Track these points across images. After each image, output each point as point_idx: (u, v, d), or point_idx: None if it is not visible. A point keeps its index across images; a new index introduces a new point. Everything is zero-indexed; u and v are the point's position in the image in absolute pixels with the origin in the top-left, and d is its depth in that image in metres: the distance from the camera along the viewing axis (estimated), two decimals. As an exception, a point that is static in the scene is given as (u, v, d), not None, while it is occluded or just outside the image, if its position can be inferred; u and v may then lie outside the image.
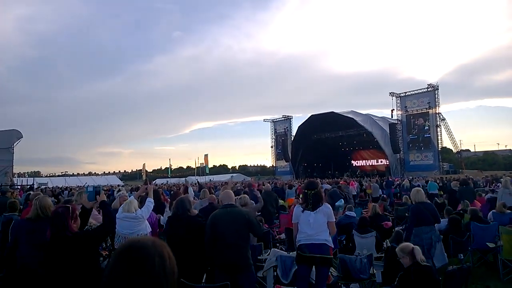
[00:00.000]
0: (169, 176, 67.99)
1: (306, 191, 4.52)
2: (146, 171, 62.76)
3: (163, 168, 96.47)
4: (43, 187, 29.13)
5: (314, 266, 4.39)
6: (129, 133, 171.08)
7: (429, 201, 6.20)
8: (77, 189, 20.15)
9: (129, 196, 5.92)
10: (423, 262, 3.82)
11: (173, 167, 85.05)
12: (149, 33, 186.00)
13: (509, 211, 8.05)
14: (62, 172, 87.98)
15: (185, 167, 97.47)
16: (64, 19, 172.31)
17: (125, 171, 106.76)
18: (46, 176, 72.87)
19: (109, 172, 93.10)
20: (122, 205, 5.09)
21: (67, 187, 31.58)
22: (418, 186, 18.47)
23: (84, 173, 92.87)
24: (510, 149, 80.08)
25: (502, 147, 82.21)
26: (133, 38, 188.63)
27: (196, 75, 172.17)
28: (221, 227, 4.08)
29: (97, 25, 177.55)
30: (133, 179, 77.22)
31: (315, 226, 4.32)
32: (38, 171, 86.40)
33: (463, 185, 11.60)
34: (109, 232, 3.24)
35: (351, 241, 7.26)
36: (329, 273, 5.03)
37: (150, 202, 5.14)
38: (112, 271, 1.16)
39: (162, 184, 34.97)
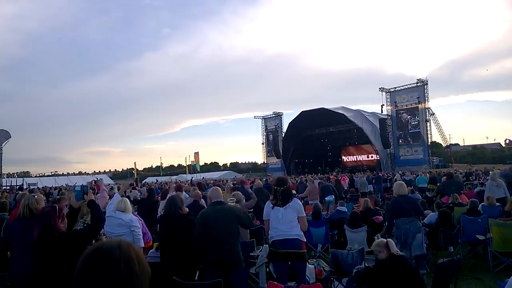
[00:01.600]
0: (161, 174, 67.69)
1: (275, 187, 4.53)
2: (137, 169, 62.45)
3: (154, 166, 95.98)
4: (32, 187, 28.77)
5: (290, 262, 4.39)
6: (119, 132, 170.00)
7: (411, 195, 6.41)
8: (67, 188, 19.92)
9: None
10: (397, 253, 3.89)
11: (164, 165, 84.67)
12: (137, 30, 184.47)
13: (499, 203, 8.16)
14: (51, 172, 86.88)
15: (176, 165, 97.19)
16: (52, 16, 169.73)
17: (115, 170, 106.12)
18: (35, 176, 71.96)
19: (99, 171, 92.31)
20: (116, 203, 4.98)
21: (56, 187, 31.19)
22: (410, 180, 18.68)
23: (74, 172, 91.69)
24: (499, 143, 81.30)
25: (490, 141, 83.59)
26: (121, 35, 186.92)
27: (185, 72, 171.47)
28: (212, 224, 4.06)
29: (85, 22, 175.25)
30: (124, 178, 76.66)
31: (285, 221, 4.34)
32: (27, 171, 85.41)
33: (448, 178, 11.72)
34: (98, 232, 3.18)
35: (343, 236, 7.29)
36: (322, 268, 5.05)
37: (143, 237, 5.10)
38: (78, 277, 1.13)
39: (152, 183, 34.73)
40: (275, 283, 4.21)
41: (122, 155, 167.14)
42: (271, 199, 4.64)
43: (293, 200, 4.53)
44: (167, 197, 5.12)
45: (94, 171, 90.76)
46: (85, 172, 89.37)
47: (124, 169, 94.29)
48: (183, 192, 8.42)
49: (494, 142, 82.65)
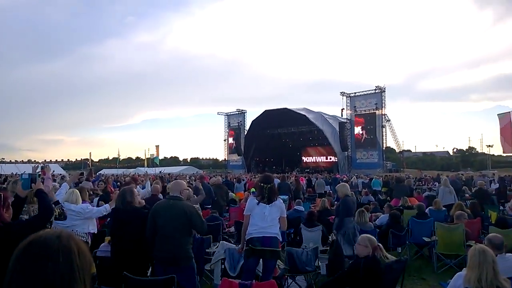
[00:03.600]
0: (117, 166, 65.69)
1: (262, 184, 4.54)
2: (92, 160, 60.28)
3: (110, 158, 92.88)
4: (-25, 174, 26.87)
5: (261, 259, 4.42)
6: (74, 120, 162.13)
7: (364, 197, 6.95)
8: (13, 177, 18.75)
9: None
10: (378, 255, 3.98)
11: (121, 158, 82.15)
12: (100, 15, 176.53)
13: (445, 208, 8.64)
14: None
15: (134, 157, 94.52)
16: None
17: (68, 160, 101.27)
18: (-21, 163, 67.08)
19: (50, 160, 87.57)
20: (65, 193, 4.76)
21: (2, 174, 29.28)
22: (366, 183, 19.37)
23: (22, 160, 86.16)
24: (447, 151, 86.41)
25: (440, 149, 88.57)
26: (82, 18, 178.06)
27: (148, 62, 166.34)
28: (161, 219, 3.97)
29: (43, 2, 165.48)
30: (77, 168, 73.36)
31: (269, 219, 4.36)
32: (-31, 158, 79.20)
33: (398, 182, 12.27)
34: (46, 222, 2.99)
35: (299, 234, 7.41)
36: (276, 266, 5.10)
37: (106, 208, 4.85)
38: (12, 270, 1.07)
39: (106, 175, 33.37)
40: (230, 279, 4.20)
41: (77, 145, 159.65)
42: (257, 195, 4.61)
43: (278, 199, 4.56)
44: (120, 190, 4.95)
45: (45, 160, 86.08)
46: (34, 161, 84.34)
47: (77, 159, 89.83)
48: (137, 186, 8.19)
49: (443, 150, 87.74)
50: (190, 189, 6.51)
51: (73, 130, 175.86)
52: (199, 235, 5.38)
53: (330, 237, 7.20)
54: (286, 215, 4.64)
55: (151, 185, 7.49)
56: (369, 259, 3.89)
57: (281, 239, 4.51)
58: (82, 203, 5.03)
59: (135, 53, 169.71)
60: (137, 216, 4.15)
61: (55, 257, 1.06)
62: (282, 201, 4.69)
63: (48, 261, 1.05)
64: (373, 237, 4.20)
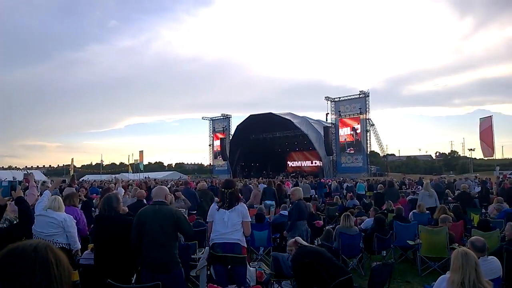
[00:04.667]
0: (101, 172, 64.72)
1: (223, 189, 4.51)
2: (74, 166, 59.21)
3: (93, 164, 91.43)
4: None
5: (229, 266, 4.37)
6: (57, 126, 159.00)
7: (350, 201, 7.04)
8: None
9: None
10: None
11: (105, 163, 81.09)
12: (82, 20, 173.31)
13: (428, 211, 8.76)
14: (-24, 165, 78.75)
15: (118, 163, 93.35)
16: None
17: (50, 166, 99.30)
18: (-44, 169, 65.13)
19: (31, 166, 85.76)
20: (47, 201, 4.64)
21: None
22: (351, 187, 19.53)
23: (3, 166, 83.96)
24: (430, 155, 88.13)
25: (423, 153, 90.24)
26: (65, 23, 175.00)
27: (132, 67, 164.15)
28: (148, 224, 3.92)
29: (24, 5, 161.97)
30: (59, 175, 71.98)
31: (229, 225, 4.31)
32: None
33: (389, 187, 12.46)
34: (26, 231, 2.92)
35: (285, 239, 7.40)
36: (262, 271, 5.07)
37: (78, 246, 4.77)
38: None
39: (87, 180, 32.83)
40: (215, 285, 4.15)
41: (59, 151, 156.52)
42: (218, 201, 4.59)
43: (240, 204, 4.50)
44: (104, 196, 4.86)
45: (26, 166, 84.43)
46: (15, 167, 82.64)
47: (60, 165, 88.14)
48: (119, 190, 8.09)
49: (425, 154, 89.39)
50: (172, 195, 6.46)
51: (55, 136, 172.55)
52: (184, 242, 5.34)
53: (316, 241, 7.23)
54: (249, 220, 4.58)
55: (124, 192, 7.38)
56: (300, 248, 4.34)
57: (244, 245, 4.44)
58: (73, 207, 4.92)
59: (118, 57, 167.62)
60: (121, 223, 4.07)
61: (31, 268, 1.06)
62: (245, 205, 4.65)
63: (24, 273, 1.05)
64: (290, 241, 4.70)
